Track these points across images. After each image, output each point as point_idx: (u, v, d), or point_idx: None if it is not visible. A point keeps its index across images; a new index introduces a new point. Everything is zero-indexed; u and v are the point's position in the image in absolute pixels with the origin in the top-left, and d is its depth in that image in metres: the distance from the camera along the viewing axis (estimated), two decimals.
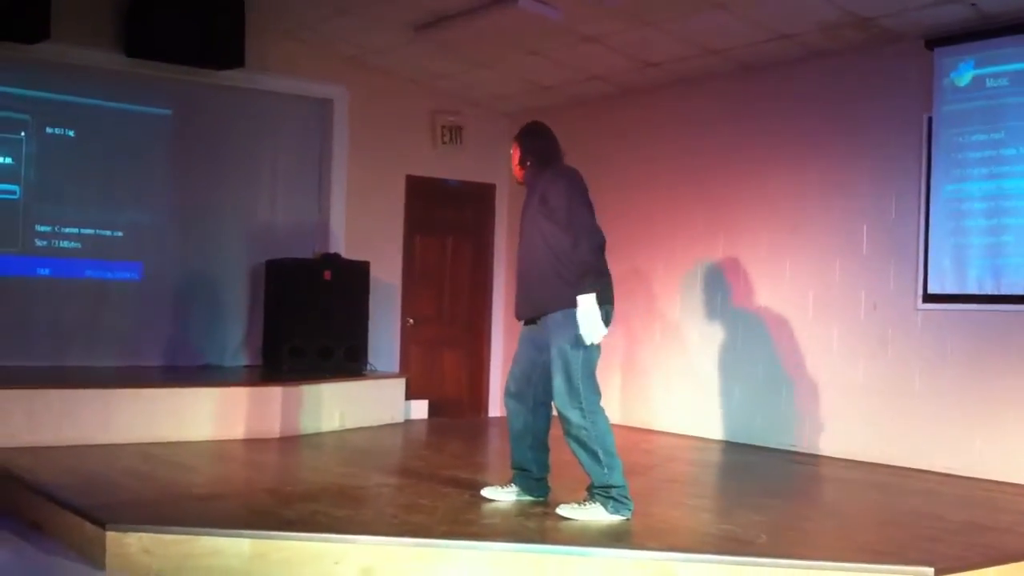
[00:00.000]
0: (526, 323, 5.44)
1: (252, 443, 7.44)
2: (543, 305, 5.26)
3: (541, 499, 5.47)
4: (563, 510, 5.13)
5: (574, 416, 5.15)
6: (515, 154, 5.48)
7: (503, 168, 10.32)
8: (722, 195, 8.51)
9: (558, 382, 5.18)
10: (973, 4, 6.73)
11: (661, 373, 8.80)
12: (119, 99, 8.78)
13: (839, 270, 7.76)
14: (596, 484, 5.17)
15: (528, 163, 5.44)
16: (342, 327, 8.89)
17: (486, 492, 5.51)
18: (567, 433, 5.21)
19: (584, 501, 5.17)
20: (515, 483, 5.52)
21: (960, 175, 7.10)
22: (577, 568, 4.50)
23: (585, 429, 5.14)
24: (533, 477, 5.52)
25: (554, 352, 5.19)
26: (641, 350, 8.92)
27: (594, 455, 5.15)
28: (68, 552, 4.91)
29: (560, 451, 5.43)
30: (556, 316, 5.20)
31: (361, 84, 9.60)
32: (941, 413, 7.11)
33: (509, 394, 5.47)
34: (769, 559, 4.48)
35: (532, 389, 5.42)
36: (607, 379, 5.40)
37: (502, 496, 5.48)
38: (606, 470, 5.14)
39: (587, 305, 5.03)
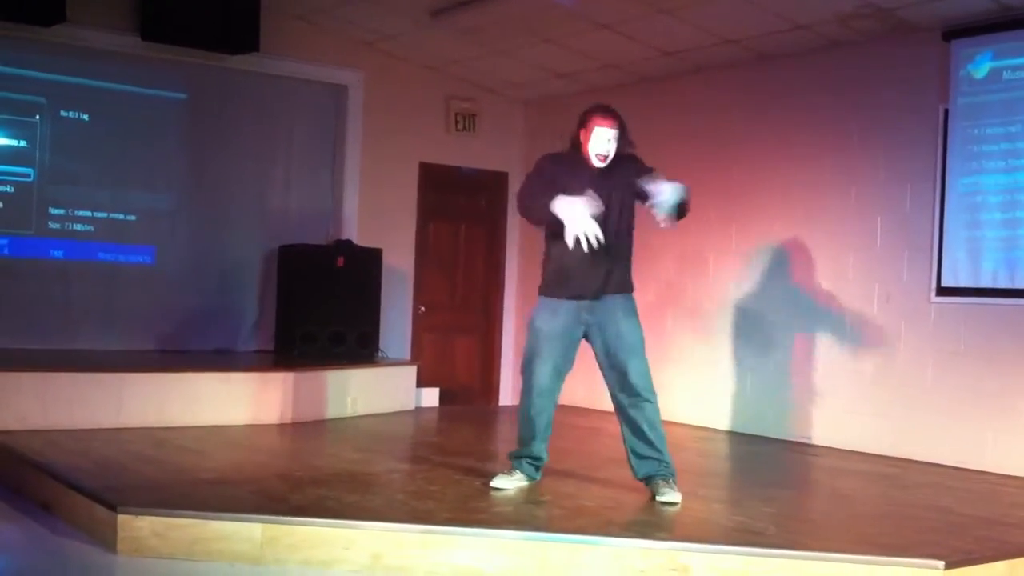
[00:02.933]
0: (569, 299, 5.36)
1: (263, 428, 7.46)
2: (627, 284, 5.47)
3: (537, 480, 5.61)
4: (667, 496, 5.26)
5: (654, 397, 5.38)
6: (619, 131, 5.36)
7: (517, 156, 10.32)
8: (736, 185, 8.48)
9: (639, 369, 5.35)
10: None
11: (671, 363, 8.77)
12: (134, 83, 8.78)
13: (852, 262, 7.73)
14: (669, 463, 5.37)
15: (622, 142, 5.40)
16: (354, 313, 8.89)
17: (496, 483, 5.51)
18: (643, 417, 5.33)
19: (669, 481, 5.33)
20: (522, 471, 5.57)
21: (976, 168, 7.07)
22: (586, 557, 4.50)
23: (658, 412, 5.38)
24: (541, 465, 5.63)
25: (632, 337, 5.38)
26: (651, 340, 8.87)
27: (664, 436, 5.38)
28: (79, 535, 4.94)
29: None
30: (629, 300, 5.46)
31: (376, 70, 9.59)
32: (953, 406, 7.09)
33: (540, 395, 5.46)
34: (778, 550, 4.48)
35: (560, 384, 5.51)
36: None
37: (512, 485, 5.50)
38: (667, 447, 5.39)
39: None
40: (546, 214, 5.17)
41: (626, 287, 5.46)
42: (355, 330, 8.87)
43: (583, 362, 5.71)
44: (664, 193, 5.10)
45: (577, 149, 5.39)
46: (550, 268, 5.48)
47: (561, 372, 5.48)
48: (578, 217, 5.05)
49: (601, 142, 5.31)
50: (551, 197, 5.12)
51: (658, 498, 5.29)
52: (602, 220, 5.15)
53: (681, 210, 5.21)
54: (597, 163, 5.34)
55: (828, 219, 7.89)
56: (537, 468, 5.61)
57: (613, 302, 5.39)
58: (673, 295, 8.89)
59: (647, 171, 5.37)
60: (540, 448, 5.58)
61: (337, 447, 7.00)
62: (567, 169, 5.36)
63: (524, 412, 5.52)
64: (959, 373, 7.09)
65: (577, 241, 5.08)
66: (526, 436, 5.54)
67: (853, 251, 7.73)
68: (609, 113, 5.37)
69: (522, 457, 5.58)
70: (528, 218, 5.48)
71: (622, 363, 5.34)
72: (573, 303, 5.39)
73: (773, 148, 8.26)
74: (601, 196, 5.21)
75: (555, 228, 5.23)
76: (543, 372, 5.43)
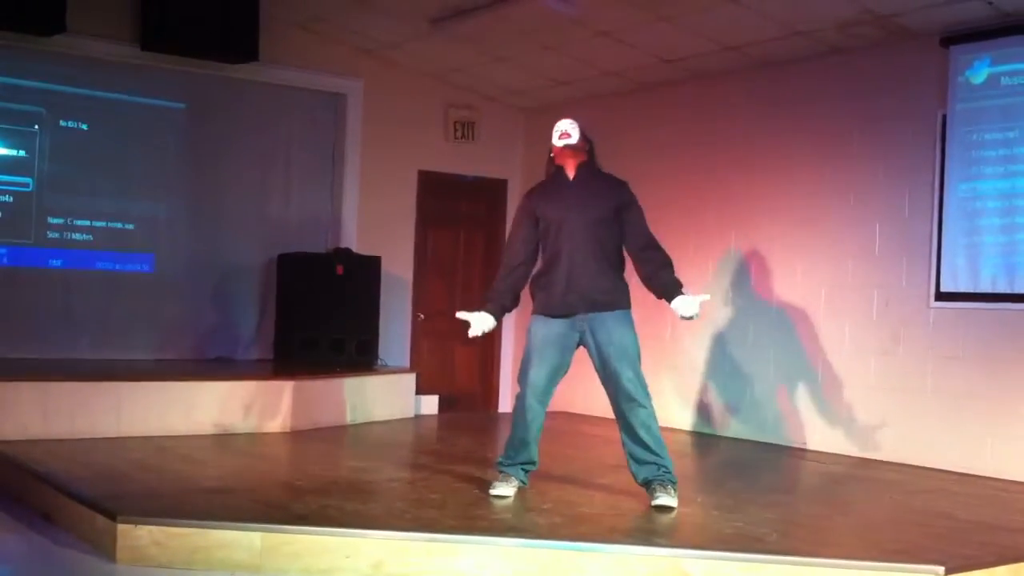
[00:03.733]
0: (554, 317, 5.47)
1: (263, 436, 7.46)
2: (611, 302, 5.46)
3: (527, 486, 5.64)
4: (661, 500, 5.32)
5: (648, 404, 5.45)
6: (577, 133, 5.47)
7: (516, 163, 10.34)
8: (735, 191, 8.49)
9: (630, 375, 5.42)
10: (990, 3, 6.70)
11: (672, 370, 8.79)
12: (133, 92, 8.80)
13: (852, 267, 7.73)
14: (669, 468, 5.45)
15: (589, 153, 5.54)
16: (354, 321, 8.90)
17: (497, 491, 5.50)
18: (638, 422, 5.42)
19: (667, 486, 5.39)
20: (516, 476, 5.58)
21: (974, 173, 7.07)
22: (587, 564, 4.50)
23: (654, 417, 5.45)
24: (533, 469, 5.67)
25: (621, 347, 5.44)
26: (651, 347, 8.89)
27: (662, 441, 5.47)
28: (80, 544, 4.93)
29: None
30: (622, 313, 5.48)
31: (375, 78, 9.61)
32: (953, 412, 7.09)
33: (536, 398, 5.52)
34: (779, 556, 4.48)
35: (553, 389, 5.58)
36: None
37: (510, 491, 5.50)
38: (668, 454, 5.48)
39: (690, 298, 5.46)
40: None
41: (609, 304, 5.46)
42: (354, 338, 8.87)
43: (585, 369, 5.72)
44: (680, 311, 5.45)
45: (551, 163, 5.62)
46: (534, 288, 5.63)
47: (555, 377, 5.55)
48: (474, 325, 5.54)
49: (559, 128, 5.49)
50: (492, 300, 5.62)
51: (652, 502, 5.34)
52: (565, 234, 5.45)
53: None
54: (559, 142, 5.48)
55: (827, 225, 7.90)
56: (527, 473, 5.64)
57: (615, 316, 5.47)
58: None
59: (631, 203, 5.56)
60: (535, 452, 5.61)
61: (337, 455, 6.99)
62: (542, 195, 5.62)
63: (520, 416, 5.56)
64: (958, 378, 7.09)
65: (551, 260, 5.51)
66: (520, 441, 5.56)
67: (852, 257, 7.73)
68: (570, 120, 5.60)
69: (517, 464, 5.58)
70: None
71: (615, 370, 5.42)
72: (565, 319, 5.50)
73: (772, 154, 8.27)
74: (564, 211, 5.48)
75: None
76: (539, 376, 5.49)
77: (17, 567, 4.82)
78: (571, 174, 5.55)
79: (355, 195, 9.60)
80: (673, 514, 5.26)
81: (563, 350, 5.52)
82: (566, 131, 5.47)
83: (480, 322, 5.55)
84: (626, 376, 5.41)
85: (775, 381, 8.11)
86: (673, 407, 8.80)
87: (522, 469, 5.60)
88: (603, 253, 5.47)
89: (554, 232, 5.49)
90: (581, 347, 5.57)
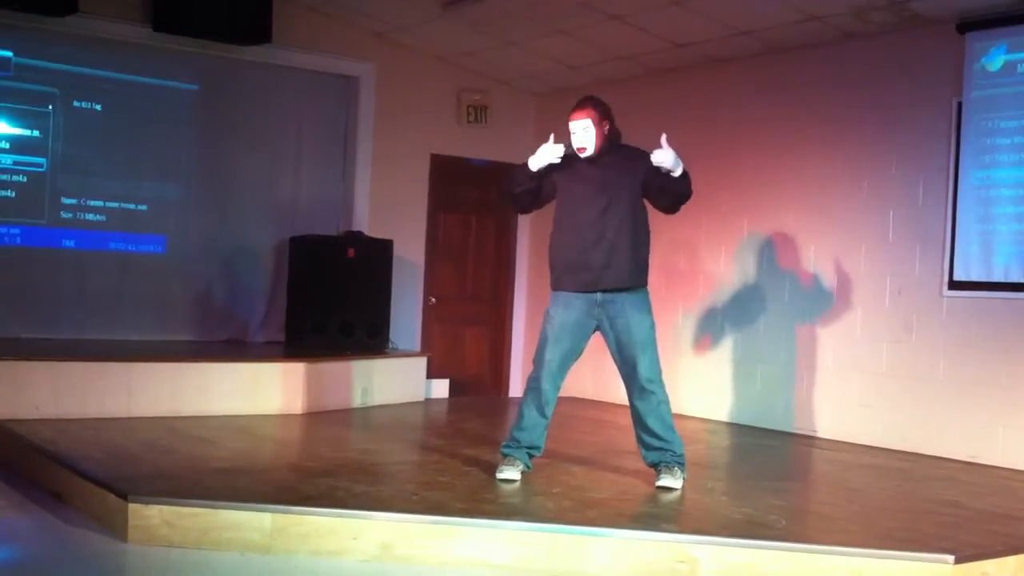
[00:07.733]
0: (577, 291, 5.46)
1: (273, 418, 7.48)
2: (635, 278, 5.52)
3: (530, 471, 5.63)
4: (664, 481, 5.42)
5: (662, 390, 5.52)
6: (594, 118, 5.46)
7: (528, 147, 10.28)
8: (748, 178, 8.47)
9: (646, 362, 5.47)
10: None
11: (682, 356, 8.78)
12: (146, 73, 8.80)
13: (864, 255, 7.71)
14: (677, 452, 5.53)
15: (607, 131, 5.50)
16: (365, 305, 8.90)
17: (505, 474, 5.50)
18: (650, 409, 5.48)
19: (672, 468, 5.47)
20: (521, 459, 5.58)
21: (989, 161, 7.04)
22: (595, 549, 4.51)
23: (666, 403, 5.54)
24: (537, 455, 5.67)
25: (641, 332, 5.49)
26: (662, 333, 8.88)
27: (672, 426, 5.52)
28: (90, 523, 4.96)
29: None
30: (642, 297, 5.54)
31: (387, 61, 9.59)
32: (964, 401, 7.07)
33: (549, 381, 5.52)
34: (787, 543, 4.48)
35: (564, 375, 5.58)
36: None
37: (517, 475, 5.51)
38: (678, 438, 5.53)
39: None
40: (523, 172, 5.51)
41: (632, 280, 5.48)
42: (365, 321, 8.88)
43: (591, 354, 5.72)
44: (658, 156, 5.39)
45: (569, 145, 5.59)
46: (552, 260, 5.61)
47: (567, 361, 5.56)
48: (545, 147, 5.46)
49: (575, 137, 5.51)
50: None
51: (656, 483, 5.42)
52: (593, 208, 5.44)
53: (680, 188, 5.50)
54: (580, 154, 5.50)
55: (840, 211, 7.87)
56: (531, 458, 5.64)
57: (624, 297, 5.46)
58: (684, 287, 8.88)
59: (654, 168, 5.50)
60: (541, 437, 5.59)
61: (347, 438, 7.01)
62: (558, 164, 5.55)
63: (531, 398, 5.55)
64: (970, 367, 7.07)
65: (585, 231, 5.41)
66: (529, 423, 5.55)
67: (865, 244, 7.71)
68: (579, 105, 5.56)
69: (523, 447, 5.57)
70: (513, 194, 5.66)
71: (632, 357, 5.46)
72: (583, 296, 5.47)
73: (785, 140, 8.24)
74: (591, 185, 5.47)
75: (539, 192, 5.60)
76: (552, 358, 5.50)
77: (28, 546, 4.85)
78: (596, 155, 5.51)
79: (367, 178, 9.59)
80: (681, 499, 5.27)
81: (578, 337, 5.54)
82: (581, 144, 5.47)
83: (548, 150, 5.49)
84: (642, 363, 5.45)
85: (786, 368, 8.10)
86: (684, 393, 8.80)
87: (527, 453, 5.59)
88: (628, 231, 5.47)
89: (588, 205, 5.45)
90: (597, 332, 5.57)
